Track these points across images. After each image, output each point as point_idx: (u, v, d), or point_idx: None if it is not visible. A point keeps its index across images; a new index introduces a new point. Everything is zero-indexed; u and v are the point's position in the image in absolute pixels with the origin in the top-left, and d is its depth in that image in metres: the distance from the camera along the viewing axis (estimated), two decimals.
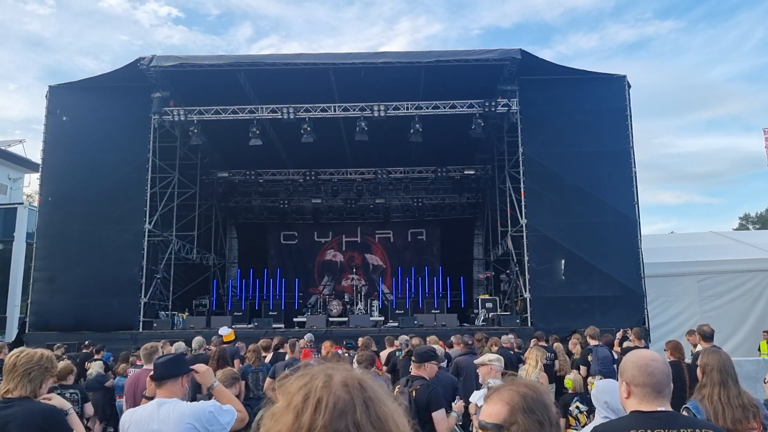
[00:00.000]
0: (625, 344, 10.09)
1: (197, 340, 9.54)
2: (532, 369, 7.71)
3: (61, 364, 6.92)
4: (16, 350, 3.53)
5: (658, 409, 2.35)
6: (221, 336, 10.88)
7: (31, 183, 28.47)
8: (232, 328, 12.42)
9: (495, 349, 8.89)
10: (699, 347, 6.91)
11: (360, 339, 10.12)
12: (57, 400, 3.63)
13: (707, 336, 7.04)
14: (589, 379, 8.16)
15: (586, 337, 9.63)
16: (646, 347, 9.21)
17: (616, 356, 9.57)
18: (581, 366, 9.02)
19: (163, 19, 76.33)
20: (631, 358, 2.48)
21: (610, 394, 3.55)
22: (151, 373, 3.60)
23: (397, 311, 18.29)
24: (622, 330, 11.46)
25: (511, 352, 9.54)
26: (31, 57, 73.68)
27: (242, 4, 77.23)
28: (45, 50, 74.53)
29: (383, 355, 9.82)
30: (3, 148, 26.75)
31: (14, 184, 27.09)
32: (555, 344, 9.97)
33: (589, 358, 8.92)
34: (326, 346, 9.61)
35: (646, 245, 15.50)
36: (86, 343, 12.37)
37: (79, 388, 7.20)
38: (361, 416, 1.21)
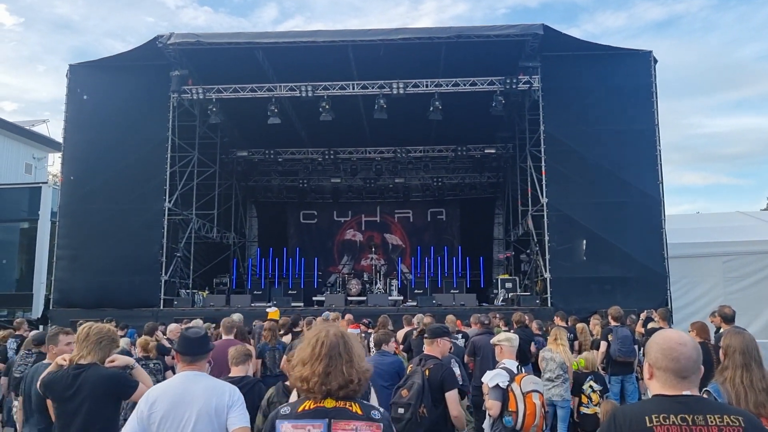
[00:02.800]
0: (650, 325, 9.91)
1: (235, 317, 9.55)
2: (556, 347, 7.64)
3: (141, 340, 7.70)
4: (87, 323, 4.11)
5: (683, 392, 2.20)
6: (267, 313, 11.47)
7: (55, 162, 28.78)
8: (276, 307, 12.91)
9: (503, 325, 8.81)
10: (722, 329, 6.73)
11: (380, 318, 10.13)
12: (120, 360, 4.12)
13: (728, 318, 6.87)
14: (575, 356, 8.08)
15: (608, 317, 9.47)
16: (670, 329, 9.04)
17: (639, 337, 9.44)
18: (601, 343, 8.90)
19: (189, 0, 76.36)
20: (656, 339, 2.32)
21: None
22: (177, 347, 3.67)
23: (416, 291, 18.27)
24: (645, 311, 11.27)
25: (535, 333, 9.45)
26: (59, 39, 74.40)
27: None
28: (73, 32, 75.18)
29: (400, 334, 9.78)
30: (27, 127, 27.03)
31: (39, 163, 27.39)
32: (578, 324, 9.82)
33: (610, 337, 8.78)
34: (343, 323, 9.60)
35: (670, 226, 15.20)
36: (108, 319, 12.53)
37: (161, 359, 7.57)
38: (341, 349, 2.46)
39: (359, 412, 2.41)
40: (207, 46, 15.30)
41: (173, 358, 7.74)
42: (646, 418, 2.15)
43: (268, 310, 11.96)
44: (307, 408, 2.41)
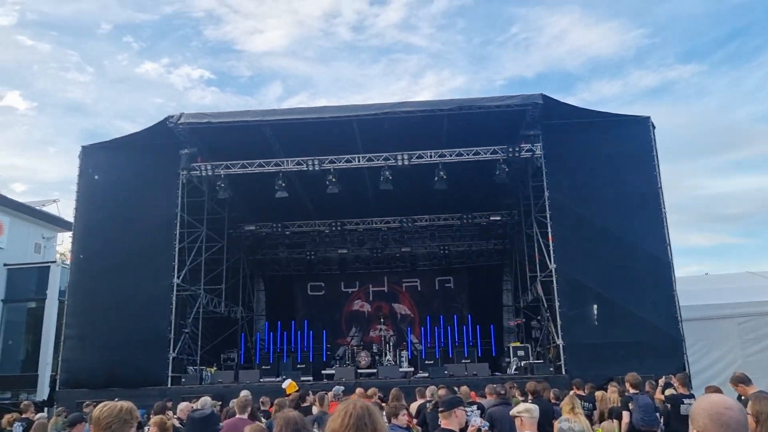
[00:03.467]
0: (668, 392, 9.67)
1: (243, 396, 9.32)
2: (573, 416, 7.42)
3: (155, 419, 7.22)
4: (101, 404, 3.84)
5: None
6: (284, 389, 11.33)
7: (64, 241, 29.02)
8: (292, 380, 12.67)
9: (518, 394, 8.58)
10: (744, 395, 6.59)
11: (371, 390, 9.95)
12: None
13: (745, 380, 6.78)
14: (594, 427, 7.84)
15: (625, 384, 9.25)
16: (691, 395, 8.80)
17: (658, 404, 9.19)
18: (623, 412, 8.64)
19: (196, 82, 79.05)
20: (703, 405, 2.28)
21: None
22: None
23: (426, 361, 17.94)
24: (664, 377, 11.02)
25: (552, 402, 9.21)
26: (70, 121, 76.54)
27: (273, 64, 79.75)
28: (84, 114, 77.45)
29: (413, 407, 9.56)
30: (38, 207, 27.41)
31: (48, 242, 27.59)
32: (597, 392, 9.57)
33: (630, 406, 8.55)
34: (354, 397, 9.41)
35: (681, 288, 15.07)
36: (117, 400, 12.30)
37: None
38: (366, 419, 2.66)
39: None
40: (216, 125, 15.71)
41: None
42: None
43: (283, 386, 11.75)
44: None
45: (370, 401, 8.66)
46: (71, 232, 17.14)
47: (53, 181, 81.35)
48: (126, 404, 3.85)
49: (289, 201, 17.38)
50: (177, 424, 7.99)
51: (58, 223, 27.65)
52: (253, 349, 21.84)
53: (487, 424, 8.18)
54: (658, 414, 8.81)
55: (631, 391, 8.91)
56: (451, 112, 15.35)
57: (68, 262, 18.58)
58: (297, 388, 11.13)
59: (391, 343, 20.19)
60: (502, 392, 8.38)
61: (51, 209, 28.07)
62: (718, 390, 6.82)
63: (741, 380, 6.80)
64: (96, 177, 16.52)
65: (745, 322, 16.05)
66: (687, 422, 2.51)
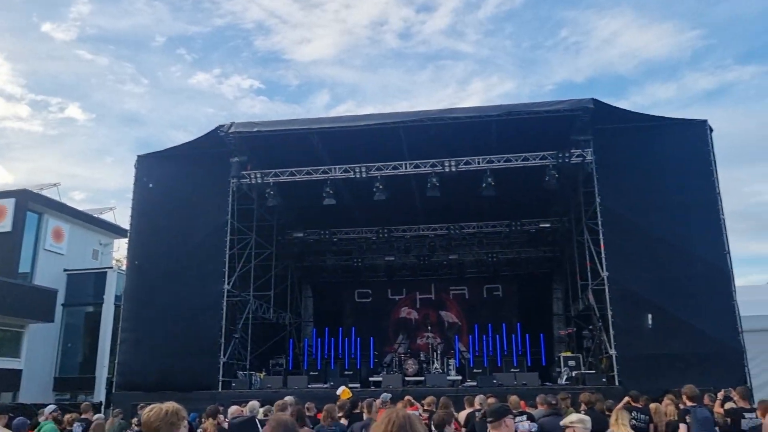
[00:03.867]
0: (728, 405, 9.26)
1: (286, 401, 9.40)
2: (617, 428, 7.19)
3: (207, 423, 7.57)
4: (149, 406, 3.84)
5: None
6: (338, 395, 11.51)
7: (120, 248, 30.04)
8: (347, 387, 12.98)
9: (584, 407, 8.36)
10: None
11: (428, 398, 9.86)
12: None
13: None
14: None
15: (682, 396, 8.90)
16: (753, 409, 8.40)
17: (717, 419, 8.81)
18: (680, 425, 8.30)
19: (246, 91, 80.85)
20: None
21: None
22: None
23: (474, 370, 17.75)
24: (723, 390, 10.56)
25: (606, 414, 8.94)
26: (125, 131, 79.43)
27: (321, 73, 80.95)
28: (139, 125, 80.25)
29: (462, 415, 9.43)
30: (95, 215, 28.46)
31: (104, 249, 28.63)
32: (651, 405, 9.25)
33: (688, 419, 8.21)
34: (399, 406, 9.38)
35: (741, 297, 14.46)
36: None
37: None
38: (408, 428, 2.86)
39: None
40: (265, 133, 15.99)
41: None
42: None
43: (338, 392, 11.93)
44: None
45: (423, 409, 8.62)
46: (127, 239, 17.69)
47: (110, 189, 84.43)
48: (172, 406, 3.90)
49: (337, 208, 17.51)
50: (226, 427, 8.12)
51: (115, 230, 28.66)
52: (301, 355, 22.05)
53: (536, 425, 8.01)
54: (717, 429, 8.43)
55: (689, 404, 8.54)
56: (500, 118, 15.19)
57: (124, 267, 19.19)
58: (350, 395, 11.20)
59: (438, 351, 20.03)
60: (554, 402, 8.18)
61: (108, 217, 29.16)
62: None
63: None
64: (150, 185, 17.02)
65: None
66: None
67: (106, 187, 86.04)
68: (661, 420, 8.67)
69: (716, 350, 13.67)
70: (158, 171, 17.19)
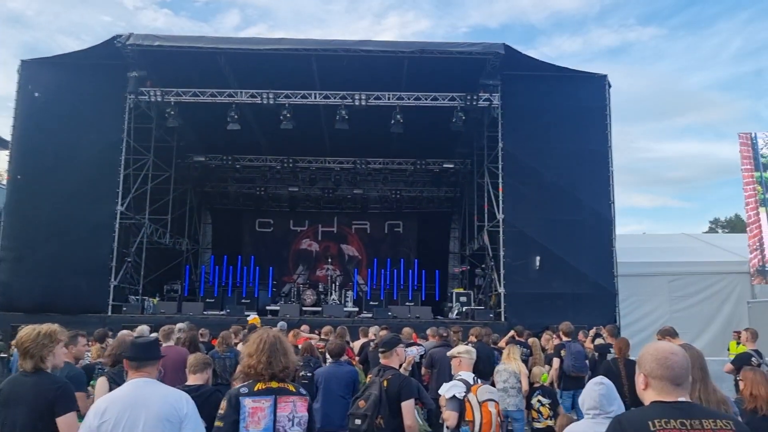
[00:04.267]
0: (598, 341, 10.15)
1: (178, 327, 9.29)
2: (509, 362, 7.74)
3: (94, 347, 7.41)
4: (26, 327, 3.84)
5: (678, 399, 2.35)
6: (248, 320, 12.07)
7: (1, 160, 27.76)
8: (256, 315, 13.55)
9: (474, 339, 8.86)
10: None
11: (326, 327, 10.12)
12: None
13: (672, 333, 7.20)
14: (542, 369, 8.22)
15: (559, 332, 9.65)
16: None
17: (588, 353, 9.63)
18: (554, 359, 9.04)
19: (148, 2, 75.08)
20: (649, 351, 2.47)
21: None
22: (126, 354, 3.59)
23: (371, 302, 18.23)
24: (594, 327, 11.53)
25: (492, 346, 9.54)
26: (9, 33, 71.99)
27: None
28: (24, 27, 72.88)
29: (356, 345, 9.75)
30: None
31: None
32: (530, 339, 9.98)
33: (562, 352, 8.94)
34: (293, 334, 9.57)
35: (619, 245, 15.65)
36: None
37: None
38: (278, 345, 3.46)
39: (293, 390, 3.50)
40: (168, 49, 15.04)
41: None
42: (649, 422, 2.28)
43: (248, 318, 12.22)
44: (260, 388, 3.43)
45: (319, 338, 8.79)
46: (8, 151, 16.34)
47: None
48: (47, 328, 3.80)
49: (241, 134, 16.99)
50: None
51: None
52: (197, 282, 21.68)
53: (423, 349, 8.43)
54: (587, 362, 9.25)
55: (564, 339, 9.30)
56: (413, 56, 15.11)
57: (5, 181, 17.80)
58: (259, 322, 11.39)
59: (337, 283, 20.39)
60: (445, 335, 8.61)
61: None
62: (671, 332, 7.23)
63: (668, 333, 7.17)
64: (36, 94, 15.69)
65: (674, 280, 16.88)
66: None
67: None
68: (539, 353, 9.37)
69: (593, 291, 14.80)
70: (46, 79, 15.82)
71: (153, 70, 15.97)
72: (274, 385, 3.42)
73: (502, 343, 10.09)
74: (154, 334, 9.20)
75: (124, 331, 8.31)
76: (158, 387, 3.40)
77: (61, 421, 3.43)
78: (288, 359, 3.50)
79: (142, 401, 3.22)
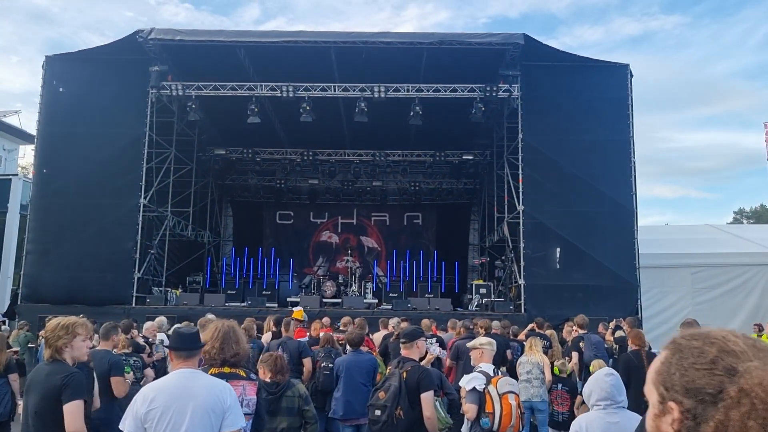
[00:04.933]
0: (618, 333, 10.09)
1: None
2: (531, 353, 7.76)
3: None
4: (55, 318, 4.16)
5: None
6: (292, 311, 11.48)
7: (26, 154, 28.23)
8: (300, 308, 12.91)
9: (482, 332, 8.88)
10: None
11: (345, 318, 10.19)
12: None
13: (695, 326, 7.12)
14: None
15: (574, 325, 9.62)
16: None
17: (608, 345, 9.60)
18: (572, 353, 9.02)
19: None
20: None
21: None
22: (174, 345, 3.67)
23: (390, 294, 18.30)
24: (615, 320, 11.46)
25: (511, 338, 9.54)
26: (34, 30, 73.10)
27: None
28: (49, 23, 73.94)
29: (376, 337, 9.81)
30: None
31: (9, 155, 26.89)
32: (549, 331, 9.97)
33: (581, 345, 8.92)
34: (315, 327, 9.67)
35: (641, 236, 15.49)
36: (81, 316, 12.32)
37: (140, 357, 7.35)
38: (231, 334, 3.82)
39: (244, 375, 3.86)
40: (189, 43, 15.18)
41: (149, 355, 7.68)
42: None
43: (294, 309, 11.84)
44: (213, 372, 3.70)
45: (339, 329, 8.87)
46: (34, 145, 16.63)
47: (16, 91, 78.49)
48: (67, 320, 4.02)
49: (261, 127, 17.09)
50: (142, 342, 8.08)
51: (20, 135, 26.87)
52: (219, 274, 21.93)
53: (444, 352, 8.48)
54: (606, 352, 9.22)
55: (580, 331, 9.27)
56: (432, 47, 15.07)
57: (31, 175, 18.13)
58: (302, 316, 11.06)
59: (357, 275, 20.48)
60: (471, 327, 8.64)
61: (12, 120, 27.21)
62: (693, 325, 7.18)
63: (691, 325, 7.12)
64: (61, 89, 15.92)
65: (697, 272, 16.67)
66: None
67: (11, 89, 79.78)
68: (557, 345, 9.36)
69: (614, 283, 14.68)
70: (70, 74, 16.05)
71: (174, 65, 16.13)
72: (226, 370, 3.80)
73: (521, 336, 10.09)
74: (176, 325, 9.39)
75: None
76: (204, 378, 3.46)
77: (66, 408, 3.64)
78: (240, 347, 3.88)
79: (189, 392, 3.27)
